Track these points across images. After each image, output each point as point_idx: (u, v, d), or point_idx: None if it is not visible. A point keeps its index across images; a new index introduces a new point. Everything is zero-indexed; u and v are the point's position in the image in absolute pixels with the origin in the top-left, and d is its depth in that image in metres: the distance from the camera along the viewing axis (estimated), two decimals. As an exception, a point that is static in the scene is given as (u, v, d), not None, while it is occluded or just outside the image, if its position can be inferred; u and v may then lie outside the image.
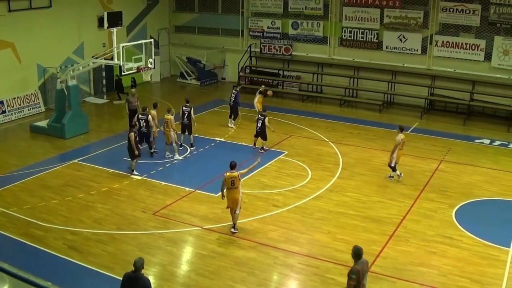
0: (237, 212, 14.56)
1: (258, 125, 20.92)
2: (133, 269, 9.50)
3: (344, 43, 29.66)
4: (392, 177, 18.59)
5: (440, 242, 14.29)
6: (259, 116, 21.18)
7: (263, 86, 25.75)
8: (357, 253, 10.15)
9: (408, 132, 23.84)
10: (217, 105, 27.81)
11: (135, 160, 18.64)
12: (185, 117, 20.92)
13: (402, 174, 18.45)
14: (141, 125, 19.92)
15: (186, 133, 21.17)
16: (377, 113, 26.74)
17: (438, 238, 14.50)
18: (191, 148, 21.13)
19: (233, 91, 24.22)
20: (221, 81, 33.73)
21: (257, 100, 23.79)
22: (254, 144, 21.31)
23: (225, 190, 14.48)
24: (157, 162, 19.85)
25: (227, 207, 14.71)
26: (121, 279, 9.67)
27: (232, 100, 24.03)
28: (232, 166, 14.51)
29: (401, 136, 18.24)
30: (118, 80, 29.25)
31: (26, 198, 16.78)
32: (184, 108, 20.96)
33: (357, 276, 9.86)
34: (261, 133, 20.90)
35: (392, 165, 18.28)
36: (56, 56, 27.16)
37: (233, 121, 24.22)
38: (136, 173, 18.67)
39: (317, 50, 30.50)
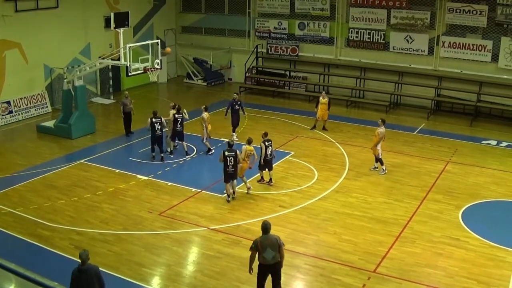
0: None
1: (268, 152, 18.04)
2: (80, 263, 9.91)
3: (351, 44, 29.63)
4: (376, 168, 19.11)
5: (446, 244, 14.24)
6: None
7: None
8: (263, 228, 10.93)
9: (414, 133, 23.91)
10: (224, 105, 27.59)
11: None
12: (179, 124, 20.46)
13: (386, 171, 18.88)
14: (156, 129, 19.77)
15: (178, 140, 20.81)
16: (383, 114, 26.64)
17: (445, 239, 14.45)
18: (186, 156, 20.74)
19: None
20: (228, 82, 33.73)
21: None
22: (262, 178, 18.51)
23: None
24: (163, 163, 19.87)
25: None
26: (71, 276, 9.93)
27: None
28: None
29: (383, 129, 18.86)
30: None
31: (32, 198, 16.85)
32: (177, 115, 20.37)
33: (255, 247, 10.78)
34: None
35: (380, 156, 18.80)
36: (63, 56, 27.26)
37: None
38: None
39: (324, 51, 30.47)
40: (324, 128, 23.73)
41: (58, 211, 15.99)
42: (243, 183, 17.40)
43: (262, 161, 17.82)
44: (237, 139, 21.35)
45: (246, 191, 17.28)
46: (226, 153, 16.53)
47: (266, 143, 17.84)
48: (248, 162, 17.14)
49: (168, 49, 23.65)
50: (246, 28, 32.69)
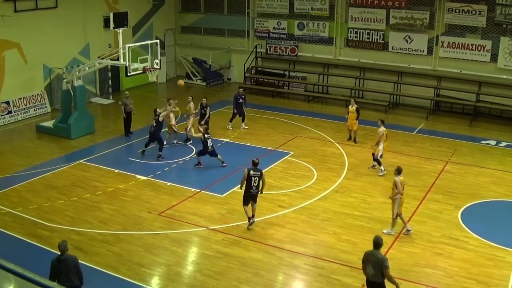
0: None
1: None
2: (60, 253, 10.37)
3: (350, 44, 29.62)
4: (374, 166, 19.24)
5: (446, 244, 14.24)
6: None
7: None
8: (373, 242, 10.74)
9: (414, 133, 23.91)
10: (223, 105, 27.79)
11: None
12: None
13: (385, 172, 18.76)
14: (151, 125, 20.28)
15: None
16: (383, 114, 26.62)
17: (444, 239, 14.45)
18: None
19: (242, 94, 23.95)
20: (227, 82, 33.73)
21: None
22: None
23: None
24: (163, 163, 19.86)
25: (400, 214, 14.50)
26: (51, 265, 10.28)
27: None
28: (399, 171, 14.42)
29: (383, 129, 19.03)
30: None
31: (32, 198, 16.83)
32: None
33: (363, 259, 10.79)
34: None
35: (378, 157, 18.92)
36: (62, 56, 27.24)
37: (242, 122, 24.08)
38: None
39: (323, 51, 30.47)
40: (352, 139, 22.36)
41: (57, 211, 15.98)
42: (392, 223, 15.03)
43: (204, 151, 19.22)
44: (246, 127, 23.89)
45: (404, 231, 14.76)
46: (252, 172, 14.62)
47: (206, 135, 19.09)
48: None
49: (181, 82, 23.84)
50: (245, 28, 32.68)
